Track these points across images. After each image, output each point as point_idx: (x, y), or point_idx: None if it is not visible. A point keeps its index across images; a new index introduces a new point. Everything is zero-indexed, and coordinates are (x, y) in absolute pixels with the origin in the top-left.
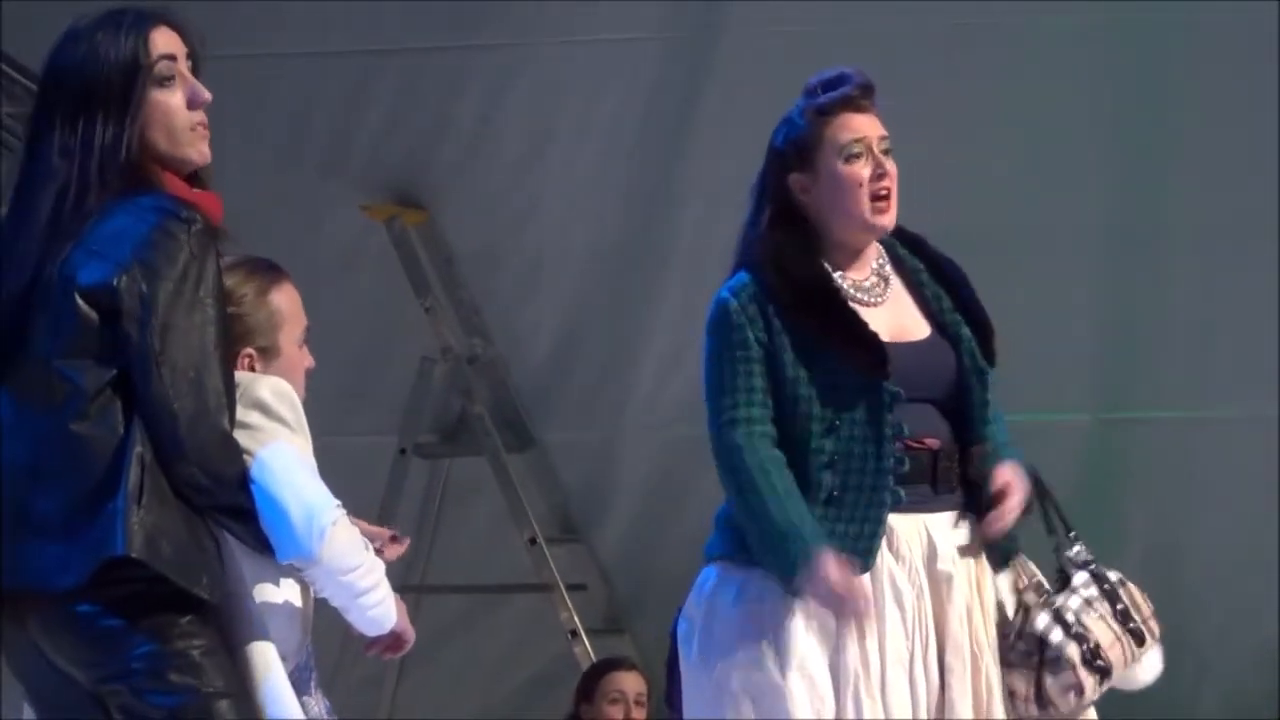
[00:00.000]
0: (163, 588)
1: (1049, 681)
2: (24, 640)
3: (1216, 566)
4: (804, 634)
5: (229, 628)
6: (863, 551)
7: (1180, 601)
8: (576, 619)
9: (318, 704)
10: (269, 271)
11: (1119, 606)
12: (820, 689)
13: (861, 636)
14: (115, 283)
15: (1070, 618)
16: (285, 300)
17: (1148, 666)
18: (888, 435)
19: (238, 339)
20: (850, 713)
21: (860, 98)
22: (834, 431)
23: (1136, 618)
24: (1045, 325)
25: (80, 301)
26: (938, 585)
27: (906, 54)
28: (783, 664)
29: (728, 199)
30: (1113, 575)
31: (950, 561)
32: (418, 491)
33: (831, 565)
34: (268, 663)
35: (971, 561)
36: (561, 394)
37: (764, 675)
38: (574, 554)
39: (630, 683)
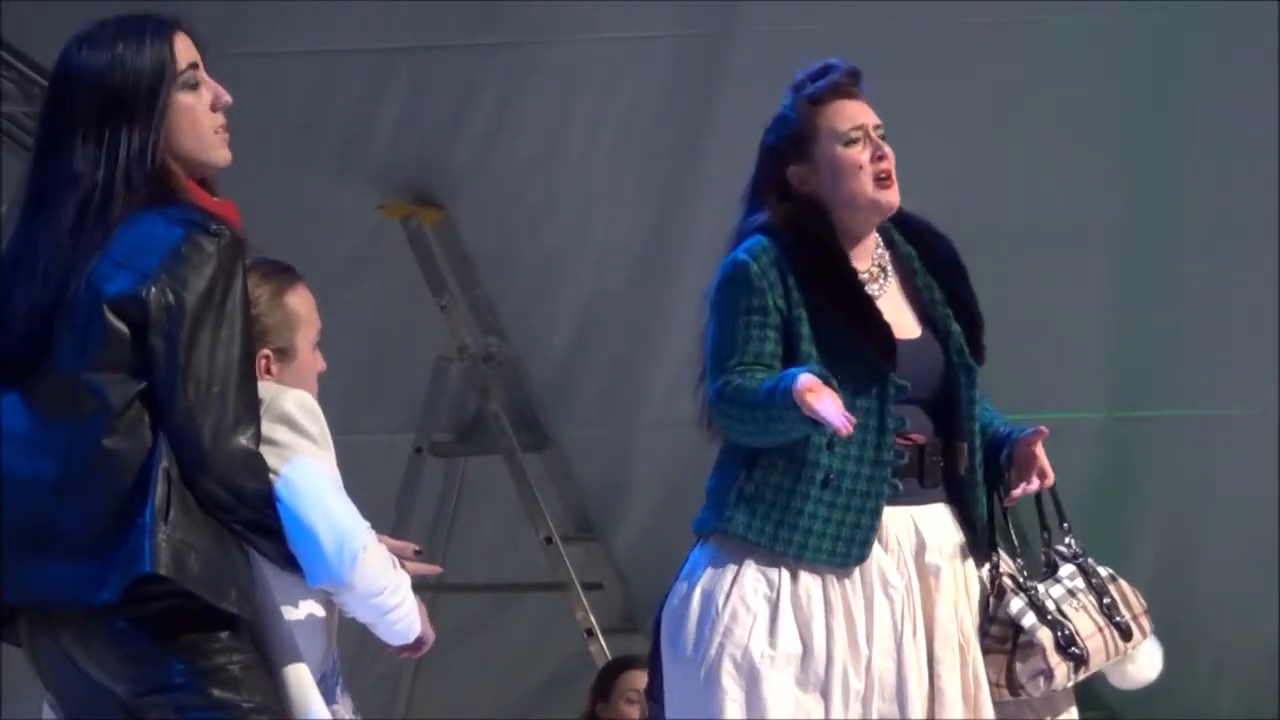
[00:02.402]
0: (198, 603)
1: (1019, 666)
2: (56, 653)
3: (1231, 563)
4: (791, 624)
5: (263, 646)
6: (860, 542)
7: (1195, 598)
8: (592, 618)
9: (345, 709)
10: (284, 274)
11: (1105, 600)
12: (807, 679)
13: (851, 627)
14: (143, 294)
15: (1050, 605)
16: (301, 302)
17: (1145, 663)
18: (890, 427)
19: (254, 340)
20: (838, 703)
21: (849, 84)
22: None
23: (1125, 613)
24: (1059, 324)
25: (109, 313)
26: (926, 578)
27: (920, 53)
28: (771, 654)
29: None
30: (1103, 570)
31: (938, 554)
32: (433, 490)
33: (807, 384)
34: (304, 686)
35: (958, 555)
36: (577, 392)
37: (752, 666)
38: (590, 553)
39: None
